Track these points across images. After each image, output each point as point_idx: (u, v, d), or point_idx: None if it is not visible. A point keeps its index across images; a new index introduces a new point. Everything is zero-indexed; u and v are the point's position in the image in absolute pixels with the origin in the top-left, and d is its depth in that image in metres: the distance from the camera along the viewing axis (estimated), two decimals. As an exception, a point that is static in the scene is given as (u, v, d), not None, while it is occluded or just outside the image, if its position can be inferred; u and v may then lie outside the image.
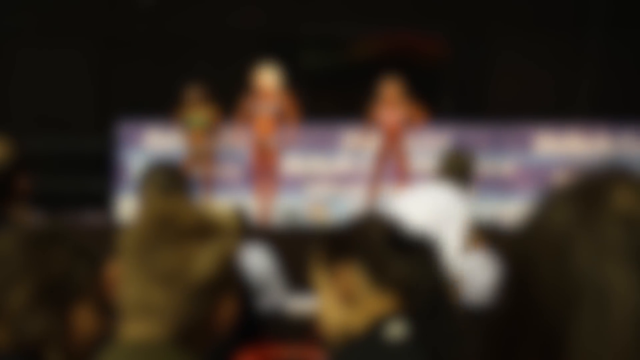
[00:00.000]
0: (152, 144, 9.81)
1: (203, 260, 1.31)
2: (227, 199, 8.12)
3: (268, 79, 8.46)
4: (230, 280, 1.36)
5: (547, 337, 0.70)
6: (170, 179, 2.73)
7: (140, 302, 1.30)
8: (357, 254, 1.60)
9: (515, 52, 10.28)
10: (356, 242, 1.62)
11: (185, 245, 1.31)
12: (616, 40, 9.96)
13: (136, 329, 1.31)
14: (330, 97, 10.47)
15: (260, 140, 8.56)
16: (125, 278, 1.32)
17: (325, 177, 9.71)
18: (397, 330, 1.55)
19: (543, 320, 0.70)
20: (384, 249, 1.59)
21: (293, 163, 9.39)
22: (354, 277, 1.58)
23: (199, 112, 9.02)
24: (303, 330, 4.66)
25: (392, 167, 8.73)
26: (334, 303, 1.59)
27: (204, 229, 1.33)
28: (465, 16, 10.29)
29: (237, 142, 9.01)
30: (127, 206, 9.04)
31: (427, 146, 9.50)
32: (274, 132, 8.53)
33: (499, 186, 9.24)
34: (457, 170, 4.49)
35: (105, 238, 2.87)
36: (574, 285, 0.69)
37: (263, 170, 8.68)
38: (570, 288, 0.70)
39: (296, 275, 5.86)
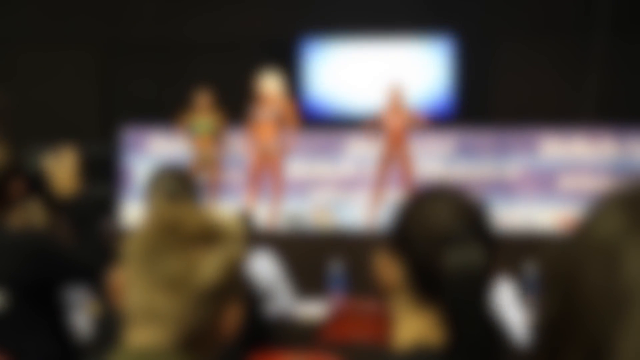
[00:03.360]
0: (156, 150, 9.81)
1: (209, 266, 1.29)
2: (233, 205, 8.12)
3: (270, 84, 8.47)
4: (236, 286, 1.34)
5: (592, 346, 0.69)
6: (178, 184, 2.72)
7: (145, 308, 1.29)
8: (402, 252, 1.35)
9: (521, 56, 10.27)
10: (403, 237, 1.35)
11: (191, 250, 1.29)
12: (621, 44, 9.94)
13: (141, 335, 1.29)
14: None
15: (261, 146, 8.56)
16: (131, 284, 1.30)
17: (330, 182, 9.70)
18: None
19: (589, 329, 0.69)
20: (433, 249, 1.30)
21: (297, 168, 9.38)
22: (396, 281, 1.35)
23: (205, 118, 9.02)
24: (310, 335, 4.65)
25: (396, 171, 8.71)
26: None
27: (209, 235, 1.32)
28: (470, 20, 10.28)
29: (244, 148, 9.01)
30: (132, 212, 9.04)
31: (433, 150, 9.49)
32: (275, 138, 8.53)
33: (505, 190, 9.22)
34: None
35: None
36: (623, 294, 0.68)
37: (263, 176, 8.68)
38: (618, 296, 0.68)
39: (301, 280, 5.85)
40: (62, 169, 2.86)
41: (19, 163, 2.79)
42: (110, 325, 2.26)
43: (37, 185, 2.89)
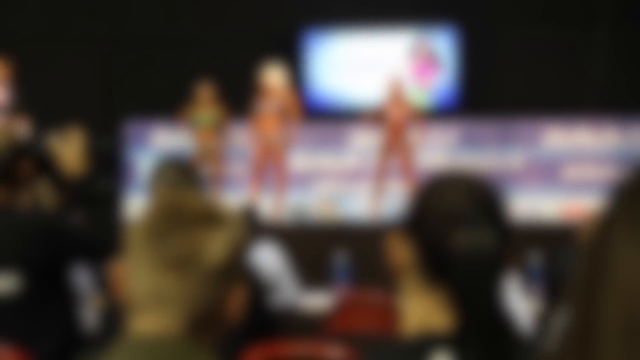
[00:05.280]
0: (160, 143, 9.82)
1: (215, 245, 1.30)
2: (237, 198, 8.12)
3: (272, 77, 8.46)
4: (240, 269, 1.35)
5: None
6: (181, 176, 2.73)
7: (151, 293, 1.28)
8: (414, 233, 1.34)
9: (524, 46, 10.25)
10: (416, 218, 1.35)
11: (195, 230, 1.30)
12: (625, 34, 9.92)
13: (147, 321, 1.29)
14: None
15: (264, 138, 8.56)
16: (135, 270, 1.30)
17: (333, 174, 9.70)
18: None
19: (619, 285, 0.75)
20: (444, 227, 1.30)
21: (300, 160, 9.38)
22: (406, 260, 1.35)
23: (207, 111, 9.02)
24: (315, 326, 4.66)
25: (396, 163, 8.71)
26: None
27: (211, 217, 1.32)
28: (473, 11, 10.26)
29: (247, 140, 9.00)
30: (136, 205, 9.05)
31: (436, 141, 9.49)
32: (278, 130, 8.52)
33: (508, 181, 9.21)
34: None
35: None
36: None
37: (266, 168, 8.68)
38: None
39: (305, 271, 5.86)
40: (69, 149, 2.87)
41: (26, 144, 2.81)
42: (116, 318, 2.27)
43: (46, 166, 2.90)
